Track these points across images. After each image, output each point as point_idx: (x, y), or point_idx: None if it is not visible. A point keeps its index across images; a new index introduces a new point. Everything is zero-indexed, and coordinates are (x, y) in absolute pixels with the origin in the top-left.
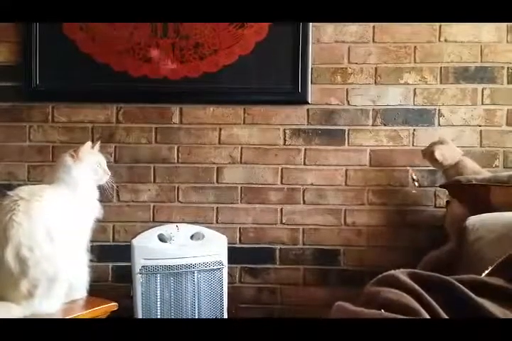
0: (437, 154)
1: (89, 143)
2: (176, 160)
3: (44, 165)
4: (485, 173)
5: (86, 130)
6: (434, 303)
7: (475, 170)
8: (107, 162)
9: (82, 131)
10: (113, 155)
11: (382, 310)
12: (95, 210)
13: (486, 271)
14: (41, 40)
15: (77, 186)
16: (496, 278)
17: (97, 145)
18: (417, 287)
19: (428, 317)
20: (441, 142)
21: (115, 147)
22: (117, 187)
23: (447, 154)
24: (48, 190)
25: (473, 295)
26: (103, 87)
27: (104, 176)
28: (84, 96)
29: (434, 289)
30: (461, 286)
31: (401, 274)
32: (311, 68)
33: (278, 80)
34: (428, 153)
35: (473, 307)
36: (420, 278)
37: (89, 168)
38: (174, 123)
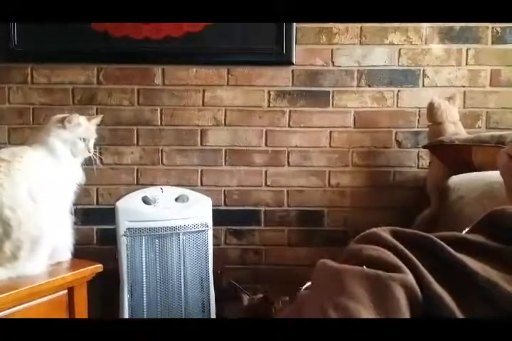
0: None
1: (83, 117)
2: (159, 123)
3: (24, 128)
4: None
5: (66, 91)
6: (414, 259)
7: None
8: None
9: (63, 92)
10: None
11: (364, 267)
12: (78, 176)
13: (467, 229)
14: None
15: (55, 151)
16: (476, 234)
17: (97, 119)
18: (398, 243)
19: (408, 272)
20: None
21: (96, 109)
22: (100, 149)
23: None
24: (29, 151)
25: (453, 251)
26: (83, 47)
27: (84, 153)
28: (64, 56)
29: (415, 245)
30: (441, 242)
31: (383, 231)
32: (296, 28)
33: (262, 41)
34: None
35: (453, 263)
36: (401, 235)
37: (70, 139)
38: (156, 84)
